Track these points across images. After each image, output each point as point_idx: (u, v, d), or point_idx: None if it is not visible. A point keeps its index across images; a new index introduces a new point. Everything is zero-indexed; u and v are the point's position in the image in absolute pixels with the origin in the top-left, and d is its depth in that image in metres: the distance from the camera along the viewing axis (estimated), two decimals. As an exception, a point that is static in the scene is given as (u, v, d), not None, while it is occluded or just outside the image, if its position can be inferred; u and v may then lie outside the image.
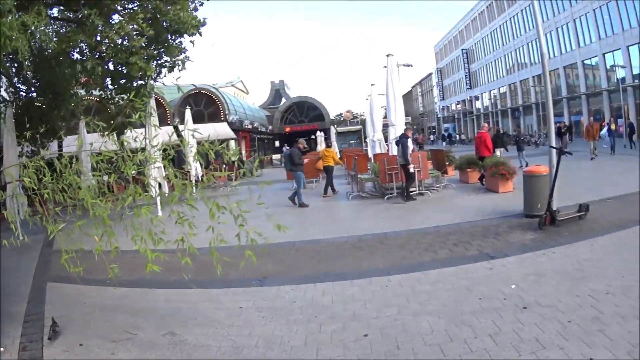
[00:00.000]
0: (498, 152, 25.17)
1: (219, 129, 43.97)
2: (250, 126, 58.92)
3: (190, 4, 17.01)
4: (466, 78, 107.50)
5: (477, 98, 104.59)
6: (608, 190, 16.50)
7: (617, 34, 56.07)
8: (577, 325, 6.00)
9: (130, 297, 8.82)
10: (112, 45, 15.36)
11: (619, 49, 55.88)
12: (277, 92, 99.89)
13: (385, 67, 23.30)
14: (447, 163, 23.39)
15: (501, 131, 37.73)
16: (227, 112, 49.98)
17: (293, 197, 20.07)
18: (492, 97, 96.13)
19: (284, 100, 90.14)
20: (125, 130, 12.70)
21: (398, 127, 22.01)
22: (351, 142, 77.68)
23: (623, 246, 9.47)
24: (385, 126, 25.11)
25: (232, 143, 45.97)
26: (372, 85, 30.08)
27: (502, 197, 17.49)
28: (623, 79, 55.08)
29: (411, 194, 18.87)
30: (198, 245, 5.70)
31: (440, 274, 8.71)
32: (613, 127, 34.06)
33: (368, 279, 8.73)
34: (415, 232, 12.63)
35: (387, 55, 23.05)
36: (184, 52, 17.57)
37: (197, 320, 7.40)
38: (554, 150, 12.65)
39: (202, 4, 17.75)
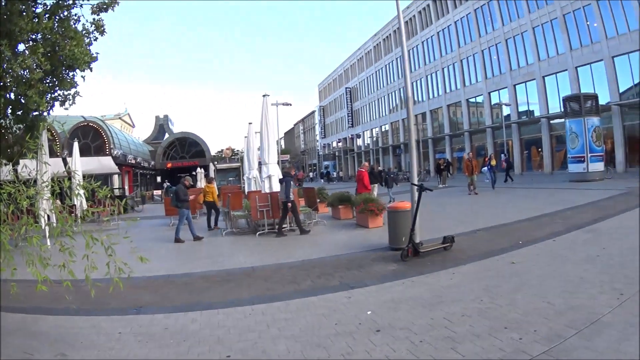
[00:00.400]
0: (375, 188, 26.33)
1: (104, 163, 43.94)
2: (133, 161, 57.97)
3: (85, 39, 16.96)
4: (348, 116, 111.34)
5: (358, 136, 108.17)
6: (480, 223, 17.96)
7: (504, 74, 60.12)
8: (428, 344, 6.60)
9: (26, 322, 9.03)
10: (15, 76, 15.20)
11: (506, 87, 59.86)
12: (161, 127, 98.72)
13: (261, 106, 23.79)
14: (319, 200, 24.13)
15: (375, 168, 38.78)
16: (112, 146, 49.21)
17: (192, 233, 20.03)
18: (374, 135, 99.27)
19: (167, 135, 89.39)
20: (20, 161, 12.74)
21: (270, 165, 22.81)
22: (230, 178, 77.79)
23: (485, 273, 10.39)
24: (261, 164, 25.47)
25: (116, 177, 46.13)
26: (249, 123, 30.17)
27: (371, 232, 18.18)
28: (508, 116, 59.32)
29: (283, 229, 19.35)
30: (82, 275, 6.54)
31: (301, 303, 9.15)
32: (494, 163, 36.08)
33: (233, 308, 9.09)
34: (282, 265, 13.07)
35: (263, 96, 23.58)
36: (75, 87, 17.44)
37: (82, 344, 7.68)
38: (415, 187, 13.46)
39: (96, 39, 17.70)
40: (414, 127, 73.74)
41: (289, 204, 19.04)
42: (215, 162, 66.97)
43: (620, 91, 46.14)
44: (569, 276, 9.46)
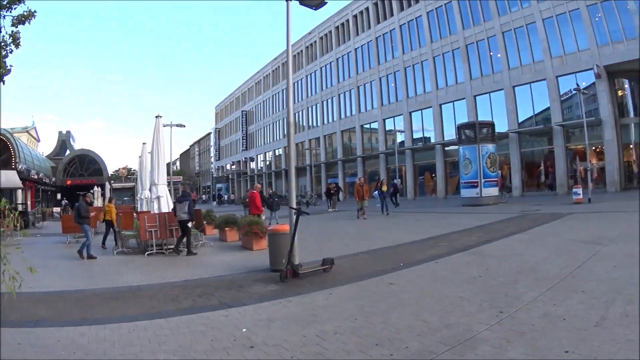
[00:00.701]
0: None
1: (10, 177, 42.89)
2: (36, 176, 57.13)
3: (2, 51, 16.47)
4: (243, 139, 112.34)
5: (252, 159, 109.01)
6: (363, 246, 18.62)
7: (400, 101, 62.05)
8: (298, 360, 6.77)
9: None
10: None
11: (401, 114, 61.84)
12: (64, 142, 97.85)
13: (154, 127, 23.83)
14: (206, 222, 24.59)
15: (267, 192, 39.22)
16: (17, 160, 48.16)
17: (81, 250, 19.65)
18: (267, 158, 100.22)
19: (68, 151, 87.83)
20: None
21: (160, 186, 23.05)
22: (125, 198, 76.94)
23: (362, 293, 10.73)
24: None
25: (19, 192, 45.87)
26: (143, 144, 30.03)
27: (255, 254, 18.49)
28: (402, 143, 61.28)
29: (181, 248, 19.58)
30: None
31: (181, 320, 9.34)
32: (384, 188, 36.68)
33: (119, 324, 9.31)
34: (166, 285, 13.21)
35: (156, 117, 23.72)
36: (-11, 98, 16.95)
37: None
38: (293, 211, 14.12)
39: (12, 52, 17.22)
40: (307, 151, 75.83)
41: (191, 223, 19.31)
42: (112, 181, 66.00)
43: (520, 120, 48.78)
44: (448, 296, 9.86)
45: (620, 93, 45.63)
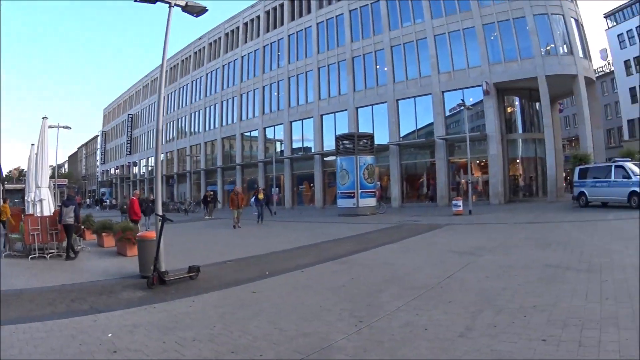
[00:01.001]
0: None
1: None
2: None
3: None
4: (127, 143, 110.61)
5: (135, 164, 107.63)
6: (234, 254, 19.02)
7: (282, 110, 62.64)
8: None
9: None
10: None
11: (282, 124, 62.54)
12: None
13: (40, 128, 23.44)
14: (84, 227, 24.23)
15: (150, 197, 38.96)
16: None
17: None
18: (150, 164, 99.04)
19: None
20: None
21: (42, 189, 22.65)
22: (16, 200, 74.85)
23: (224, 301, 11.09)
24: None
25: None
26: (32, 144, 29.41)
27: (129, 260, 18.35)
28: (282, 152, 62.18)
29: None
30: None
31: (55, 324, 9.46)
32: (261, 196, 36.93)
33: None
34: (45, 289, 13.22)
35: (43, 118, 23.36)
36: None
37: None
38: (158, 217, 14.44)
39: None
40: (187, 157, 75.58)
41: (78, 225, 19.48)
42: (6, 182, 63.70)
43: (404, 132, 50.37)
44: (309, 305, 10.18)
45: (509, 110, 48.22)
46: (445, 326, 8.13)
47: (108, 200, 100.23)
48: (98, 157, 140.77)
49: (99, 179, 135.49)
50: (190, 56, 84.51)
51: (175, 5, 15.19)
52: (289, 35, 63.00)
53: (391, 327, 8.26)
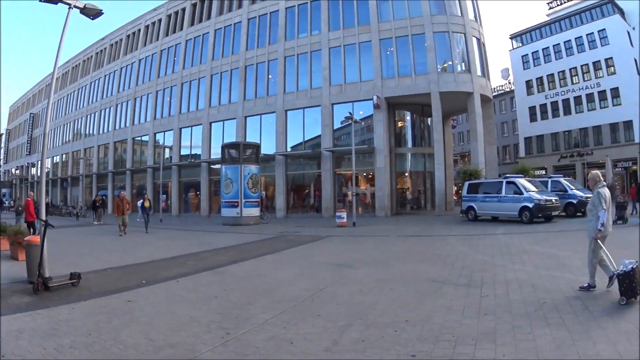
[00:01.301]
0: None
1: None
2: None
3: None
4: (28, 143, 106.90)
5: (33, 165, 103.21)
6: (115, 261, 19.42)
7: (172, 116, 62.76)
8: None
9: None
10: None
11: (172, 130, 62.64)
12: None
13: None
14: None
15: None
16: None
17: None
18: (47, 165, 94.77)
19: None
20: None
21: None
22: None
23: (101, 309, 11.33)
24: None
25: None
26: None
27: (21, 264, 17.73)
28: (170, 158, 62.31)
29: None
30: None
31: None
32: (147, 204, 36.89)
33: None
34: None
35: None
36: None
37: None
38: (42, 223, 14.55)
39: None
40: (83, 160, 74.65)
41: None
42: None
43: (292, 143, 51.27)
44: (180, 315, 10.60)
45: (400, 124, 49.90)
46: (311, 340, 8.51)
47: (7, 202, 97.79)
48: (1, 157, 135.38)
49: (1, 179, 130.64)
50: (91, 56, 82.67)
51: (74, 7, 15.88)
52: (186, 41, 62.95)
53: (256, 340, 8.61)
